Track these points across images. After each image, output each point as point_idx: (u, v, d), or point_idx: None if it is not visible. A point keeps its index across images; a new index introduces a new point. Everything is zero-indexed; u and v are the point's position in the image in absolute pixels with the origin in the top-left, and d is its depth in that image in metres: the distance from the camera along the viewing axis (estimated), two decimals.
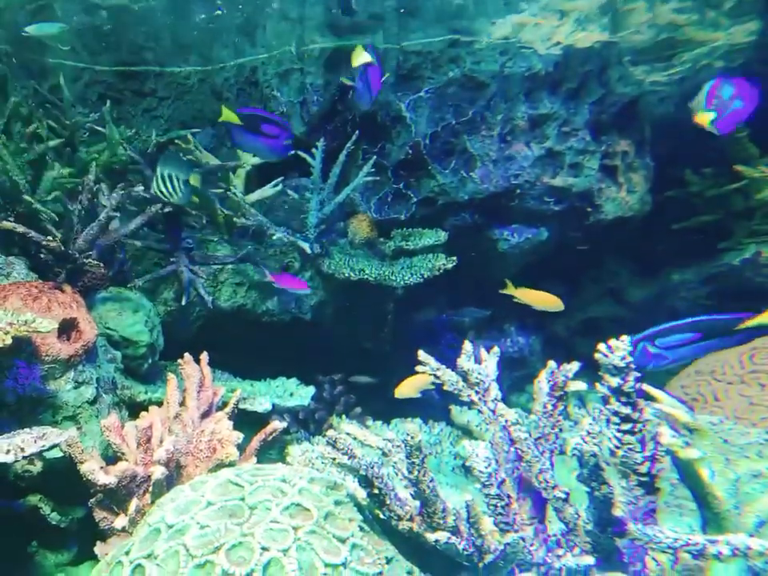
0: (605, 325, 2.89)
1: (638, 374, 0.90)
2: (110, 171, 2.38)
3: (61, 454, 1.30)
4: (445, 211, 2.65)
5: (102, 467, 1.22)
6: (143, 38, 2.91)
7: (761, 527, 0.87)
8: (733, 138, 2.41)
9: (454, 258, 2.38)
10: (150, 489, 1.14)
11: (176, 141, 2.60)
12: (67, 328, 1.50)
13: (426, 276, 2.34)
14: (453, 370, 1.22)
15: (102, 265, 1.72)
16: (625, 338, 0.92)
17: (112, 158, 2.33)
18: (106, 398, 1.57)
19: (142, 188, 1.87)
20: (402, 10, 2.46)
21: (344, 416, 2.19)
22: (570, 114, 2.50)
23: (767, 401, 1.54)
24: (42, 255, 1.72)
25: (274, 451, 1.96)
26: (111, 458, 1.37)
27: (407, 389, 2.00)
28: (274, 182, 2.45)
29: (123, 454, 1.24)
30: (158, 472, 1.11)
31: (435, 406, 2.54)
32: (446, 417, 2.30)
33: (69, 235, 1.72)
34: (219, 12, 2.66)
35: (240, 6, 2.76)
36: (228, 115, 2.15)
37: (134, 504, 1.12)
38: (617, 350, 0.90)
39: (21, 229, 1.62)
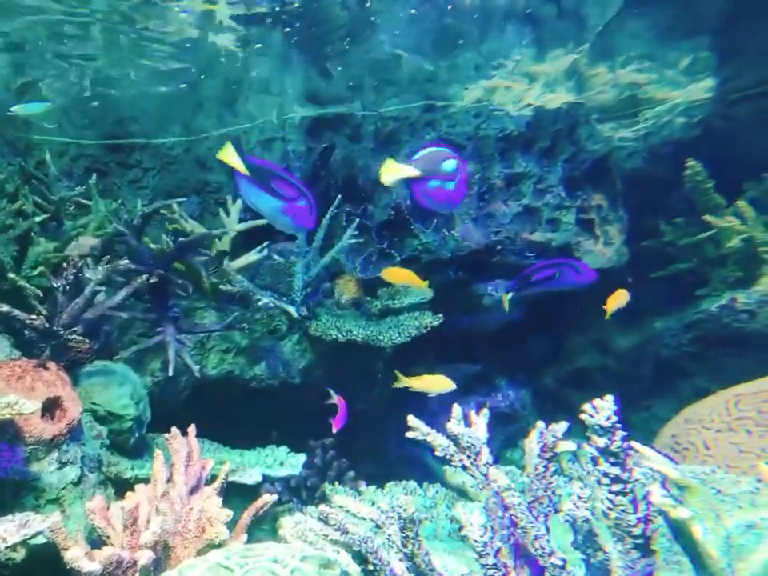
0: (593, 375, 2.90)
1: (625, 433, 0.91)
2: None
3: (45, 540, 1.26)
4: (429, 269, 2.69)
5: (86, 553, 1.18)
6: (128, 111, 3.00)
7: None
8: (698, 188, 2.52)
9: (440, 315, 2.40)
10: (137, 575, 1.10)
11: (161, 210, 2.63)
12: (51, 407, 1.48)
13: (413, 335, 2.36)
14: (443, 434, 1.22)
15: (87, 341, 1.71)
16: (609, 397, 0.93)
17: (98, 231, 2.35)
18: (91, 477, 1.53)
19: (127, 261, 1.88)
20: (376, 83, 2.56)
21: (337, 482, 2.14)
22: (544, 171, 2.59)
23: (755, 448, 1.54)
24: (26, 332, 1.71)
25: (266, 523, 1.91)
26: (97, 541, 1.34)
27: (423, 384, 2.15)
28: (259, 247, 2.47)
29: (108, 537, 1.21)
30: (145, 557, 1.08)
31: (429, 466, 2.51)
32: (441, 478, 2.26)
33: (53, 311, 1.72)
34: (183, 85, 2.74)
35: (224, 80, 2.86)
36: (229, 157, 1.86)
37: None
38: (602, 410, 0.91)
39: (5, 308, 1.61)
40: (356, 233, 2.50)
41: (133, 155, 3.02)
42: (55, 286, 1.72)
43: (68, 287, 1.74)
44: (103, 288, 1.79)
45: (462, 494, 2.12)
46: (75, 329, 1.71)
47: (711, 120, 2.65)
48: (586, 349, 3.00)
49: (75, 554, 1.14)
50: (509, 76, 2.52)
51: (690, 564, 0.91)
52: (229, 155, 1.87)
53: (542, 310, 2.76)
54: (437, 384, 2.20)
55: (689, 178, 2.56)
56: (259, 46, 2.45)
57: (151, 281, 2.04)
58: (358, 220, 2.54)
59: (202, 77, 2.68)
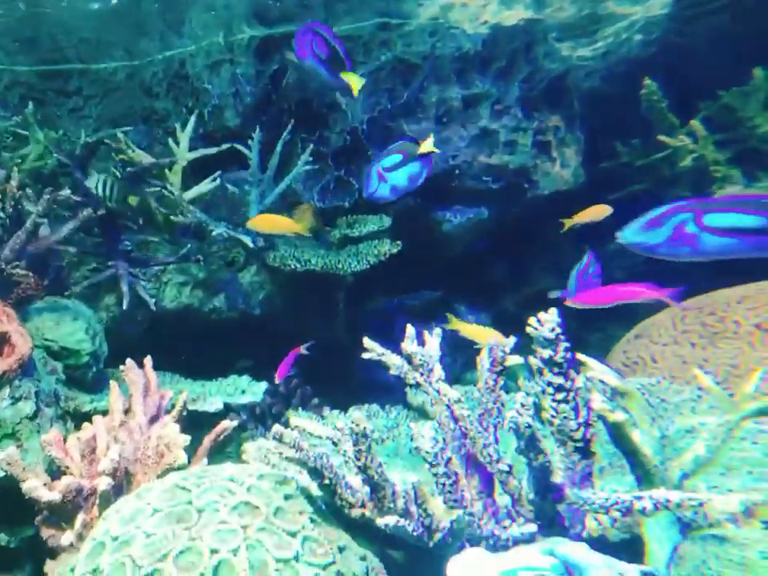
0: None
1: (568, 344, 0.93)
2: (38, 176, 2.29)
3: (2, 474, 1.26)
4: None
5: (45, 483, 1.19)
6: (63, 36, 2.80)
7: (684, 480, 0.92)
8: (654, 108, 2.50)
9: (399, 242, 2.39)
10: (98, 501, 1.12)
11: (106, 140, 2.51)
12: None
13: (372, 262, 2.35)
14: (398, 354, 1.24)
15: (30, 274, 1.65)
16: (553, 310, 0.95)
17: (37, 162, 2.24)
18: (48, 412, 1.52)
19: (70, 192, 1.80)
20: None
21: (300, 408, 2.18)
22: (501, 92, 2.53)
23: (698, 359, 1.62)
24: None
25: (232, 449, 1.94)
26: (57, 473, 1.34)
27: (474, 332, 2.04)
28: (211, 177, 2.39)
29: (67, 467, 1.21)
30: (104, 483, 1.09)
31: (393, 389, 2.57)
32: (403, 400, 2.32)
33: None
34: (114, 1, 2.56)
35: None
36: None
37: (80, 518, 1.09)
38: (546, 322, 0.93)
39: None
40: (311, 159, 2.43)
41: (71, 82, 2.84)
42: None
43: (8, 220, 1.67)
44: (45, 221, 1.72)
45: (423, 413, 2.18)
46: (18, 263, 1.65)
47: (668, 37, 2.61)
48: (544, 272, 3.05)
49: (33, 484, 1.15)
50: None
51: (628, 465, 0.96)
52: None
53: (501, 235, 2.77)
54: (487, 335, 2.06)
55: (645, 98, 2.54)
56: None
57: (99, 213, 1.97)
58: (312, 146, 2.46)
59: None
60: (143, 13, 2.73)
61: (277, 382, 2.01)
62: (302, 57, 1.99)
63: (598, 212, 2.18)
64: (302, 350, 2.06)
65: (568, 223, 2.22)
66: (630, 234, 1.33)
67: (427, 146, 1.95)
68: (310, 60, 1.99)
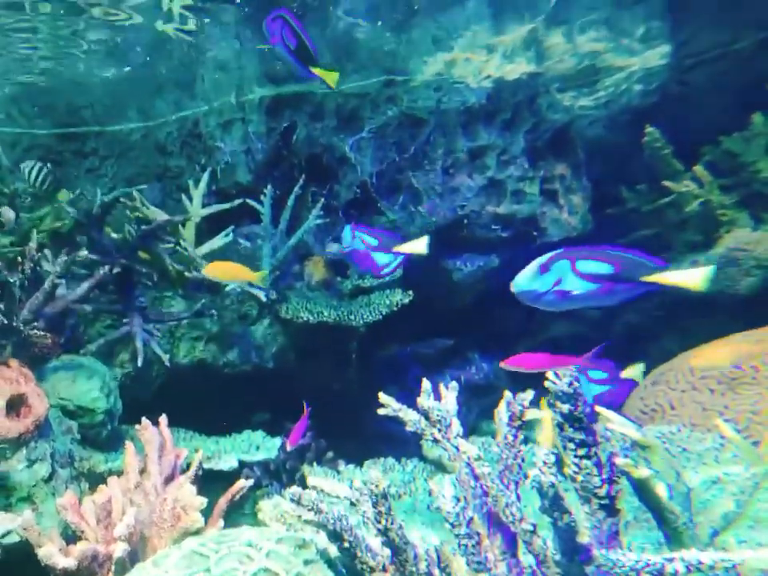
0: (566, 342, 2.94)
1: (586, 398, 0.92)
2: (56, 236, 2.34)
3: (18, 538, 1.24)
4: None
5: (61, 549, 1.17)
6: (80, 99, 2.91)
7: (715, 537, 0.89)
8: (657, 154, 2.55)
9: (410, 292, 2.40)
10: (113, 568, 1.10)
11: (121, 199, 2.57)
12: (16, 404, 1.45)
13: (384, 313, 2.36)
14: (415, 409, 1.23)
15: (48, 335, 1.67)
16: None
17: (56, 224, 2.29)
18: (63, 473, 1.51)
19: (86, 252, 1.84)
20: (334, 58, 2.52)
21: (315, 463, 2.15)
22: (506, 143, 2.58)
23: (718, 405, 1.60)
24: None
25: (247, 507, 1.91)
26: (72, 537, 1.32)
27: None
28: (224, 232, 2.44)
29: (83, 532, 1.20)
30: (119, 549, 1.07)
31: (408, 442, 2.53)
32: (418, 452, 2.29)
33: (11, 307, 1.67)
34: (128, 68, 2.67)
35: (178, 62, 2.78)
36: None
37: None
38: (564, 376, 0.93)
39: None
40: (322, 213, 2.48)
41: (88, 143, 2.94)
42: (11, 280, 1.68)
43: (26, 281, 1.70)
44: (62, 281, 1.75)
45: (439, 467, 2.15)
46: (36, 324, 1.67)
47: (668, 86, 2.68)
48: (558, 318, 3.04)
49: (49, 551, 1.13)
50: (468, 48, 2.50)
51: (655, 521, 0.94)
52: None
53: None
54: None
55: (647, 145, 2.59)
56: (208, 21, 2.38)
57: (114, 271, 2.00)
58: (323, 200, 2.51)
59: (148, 58, 2.60)
60: (156, 76, 2.83)
61: (288, 449, 1.94)
62: (274, 44, 1.85)
63: None
64: (305, 410, 1.97)
65: None
66: (524, 283, 1.32)
67: (418, 247, 1.83)
68: (279, 47, 1.84)
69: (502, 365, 1.70)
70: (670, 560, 0.70)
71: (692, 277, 1.23)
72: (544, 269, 1.28)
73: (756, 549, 0.98)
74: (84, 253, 1.82)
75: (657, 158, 2.57)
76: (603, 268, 1.27)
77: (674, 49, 2.53)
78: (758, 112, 2.52)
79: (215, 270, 1.98)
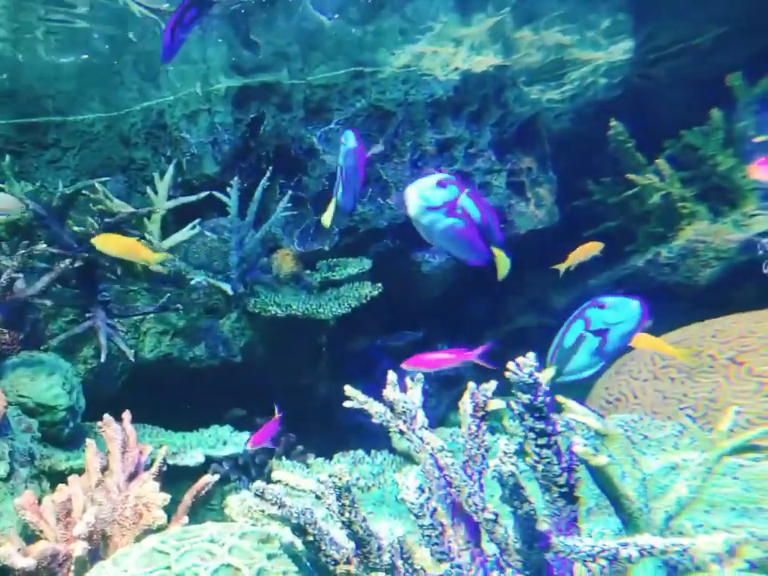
0: (533, 334, 2.98)
1: (547, 389, 0.94)
2: (15, 229, 2.27)
3: None
4: (367, 239, 2.68)
5: (19, 549, 1.15)
6: (41, 88, 2.83)
7: (669, 522, 0.92)
8: (621, 148, 2.59)
9: (380, 284, 2.40)
10: (73, 567, 1.08)
11: (84, 191, 2.51)
12: None
13: (353, 305, 2.35)
14: (380, 401, 1.23)
15: (6, 331, 1.63)
16: (531, 354, 0.95)
17: (14, 215, 2.22)
18: (23, 472, 1.48)
19: (45, 245, 1.79)
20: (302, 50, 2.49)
21: (284, 457, 2.14)
22: (474, 136, 2.60)
23: (678, 393, 1.64)
24: None
25: (215, 502, 1.89)
26: (32, 536, 1.30)
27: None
28: (190, 225, 2.40)
29: (42, 531, 1.17)
30: (79, 548, 1.05)
31: (378, 434, 2.54)
32: (388, 445, 2.29)
33: None
34: (85, 56, 2.60)
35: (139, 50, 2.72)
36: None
37: None
38: (525, 367, 0.94)
39: None
40: (290, 205, 2.46)
41: (49, 134, 2.86)
42: None
43: None
44: (20, 275, 1.70)
45: (408, 459, 2.15)
46: None
47: (631, 80, 2.72)
48: (524, 309, 3.08)
49: (7, 551, 1.10)
50: (435, 40, 2.50)
51: (613, 508, 0.96)
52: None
53: (479, 274, 2.80)
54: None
55: (612, 138, 2.63)
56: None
57: (76, 265, 1.96)
58: (291, 192, 2.49)
59: (107, 47, 2.54)
60: (119, 65, 2.77)
61: (249, 448, 1.84)
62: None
63: (590, 249, 2.18)
64: (276, 412, 1.88)
65: (563, 266, 2.18)
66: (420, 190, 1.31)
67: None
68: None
69: (404, 366, 1.74)
70: (624, 545, 0.72)
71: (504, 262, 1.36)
72: (442, 185, 1.31)
73: (708, 534, 1.01)
74: (42, 246, 1.77)
75: (621, 152, 2.62)
76: (475, 213, 1.31)
77: (637, 43, 2.58)
78: (716, 107, 2.58)
79: (106, 243, 1.76)
